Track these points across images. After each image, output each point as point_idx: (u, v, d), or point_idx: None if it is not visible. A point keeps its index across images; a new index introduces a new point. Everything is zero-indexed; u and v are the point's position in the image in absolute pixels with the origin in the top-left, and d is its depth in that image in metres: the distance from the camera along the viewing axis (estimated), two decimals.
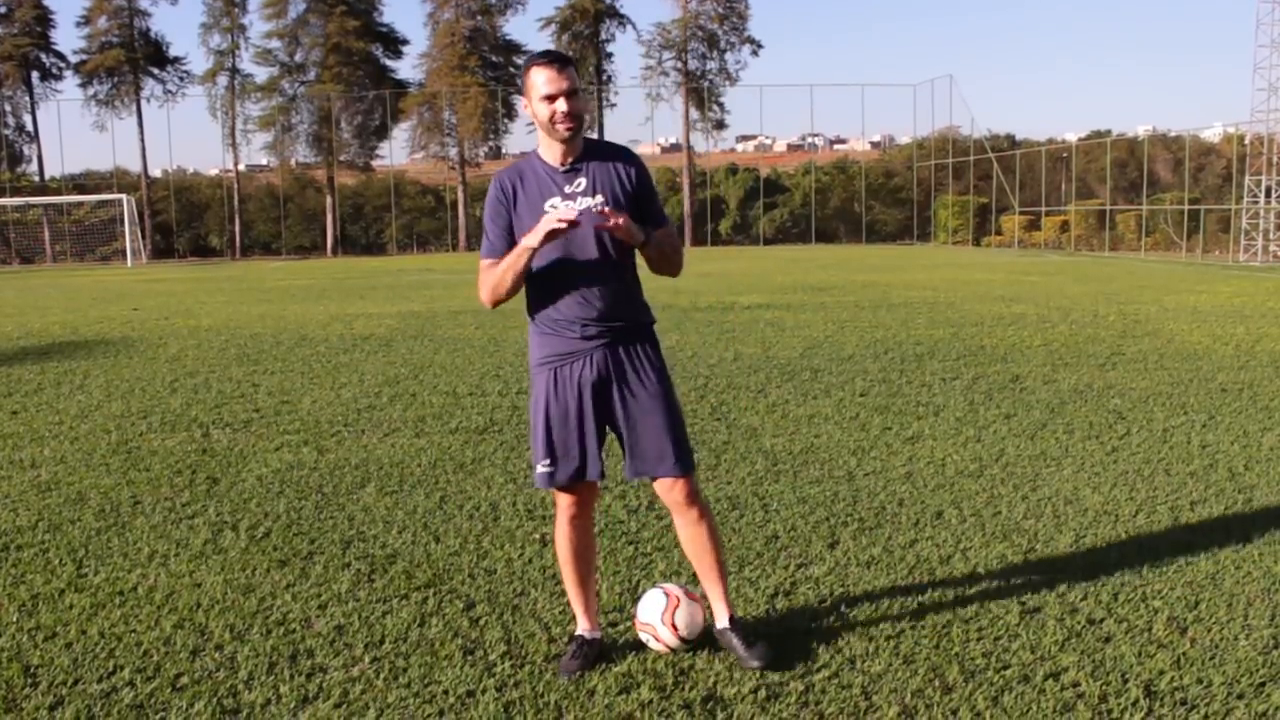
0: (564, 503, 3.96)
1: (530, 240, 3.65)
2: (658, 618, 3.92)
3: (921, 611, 4.37)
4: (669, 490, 3.91)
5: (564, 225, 3.59)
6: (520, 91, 3.80)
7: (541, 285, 3.81)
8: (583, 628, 4.03)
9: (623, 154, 3.88)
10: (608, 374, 3.82)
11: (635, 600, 4.29)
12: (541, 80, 3.66)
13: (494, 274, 3.77)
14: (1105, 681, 3.72)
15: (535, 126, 3.78)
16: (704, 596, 4.06)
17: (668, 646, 3.94)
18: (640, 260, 3.91)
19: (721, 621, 3.97)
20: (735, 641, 3.91)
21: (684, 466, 3.87)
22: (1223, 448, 7.12)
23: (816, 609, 4.42)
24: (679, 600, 3.95)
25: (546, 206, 3.73)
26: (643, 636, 3.98)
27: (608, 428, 3.91)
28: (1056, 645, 4.02)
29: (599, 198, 3.73)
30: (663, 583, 4.30)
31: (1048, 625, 4.21)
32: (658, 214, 3.88)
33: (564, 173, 3.76)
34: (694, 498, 3.92)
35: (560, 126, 3.67)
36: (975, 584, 4.68)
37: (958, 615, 4.32)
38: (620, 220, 3.64)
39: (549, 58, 3.69)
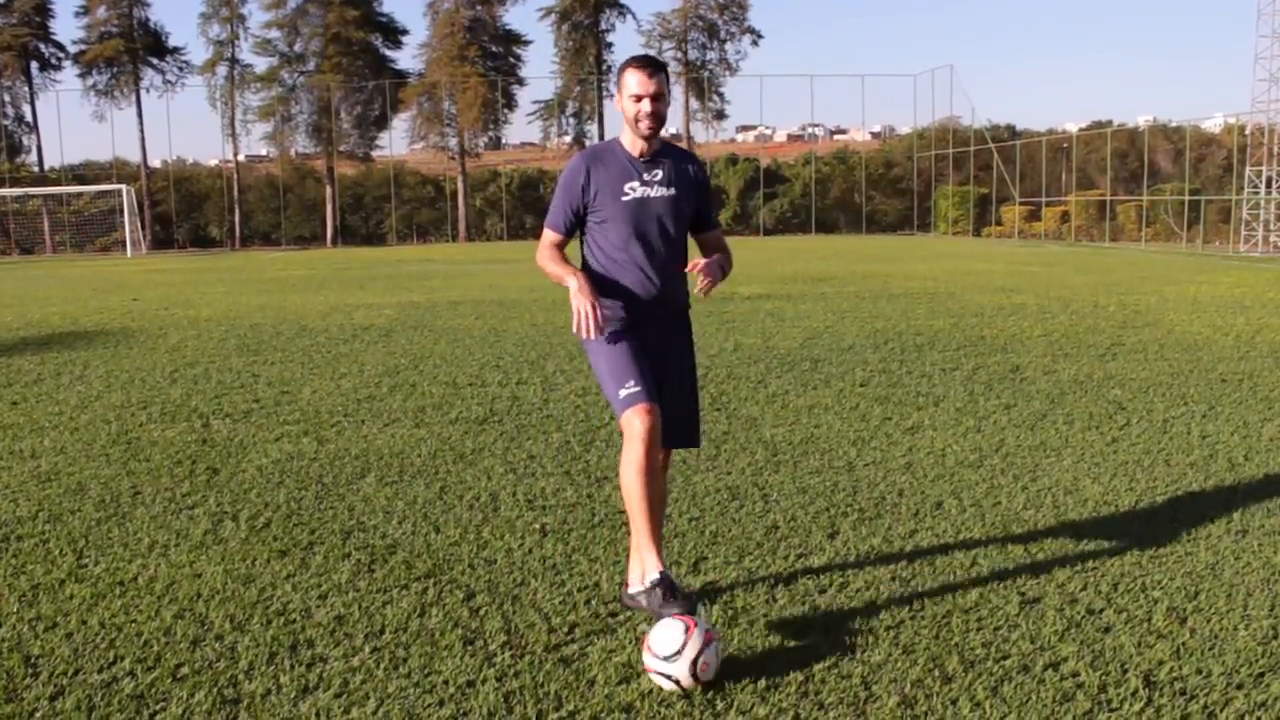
0: (641, 429, 3.99)
1: (571, 286, 4.00)
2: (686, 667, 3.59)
3: (921, 602, 4.37)
4: (666, 455, 4.34)
5: (589, 328, 3.92)
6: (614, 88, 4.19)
7: (605, 261, 4.18)
8: (657, 567, 3.98)
9: (692, 158, 4.33)
10: (654, 347, 4.21)
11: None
12: (634, 82, 4.06)
13: (546, 264, 4.17)
14: (1105, 671, 3.73)
15: (619, 120, 4.22)
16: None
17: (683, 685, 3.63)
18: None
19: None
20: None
21: (698, 440, 4.43)
22: (1222, 438, 7.12)
23: (816, 599, 4.43)
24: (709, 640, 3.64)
25: (625, 188, 4.13)
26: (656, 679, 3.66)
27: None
28: (1056, 635, 4.03)
29: (672, 190, 4.17)
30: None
31: (1047, 615, 4.21)
32: (713, 216, 4.40)
33: (644, 162, 4.17)
34: (669, 461, 4.45)
35: (643, 124, 4.08)
36: (975, 574, 4.68)
37: (957, 605, 4.32)
38: (708, 284, 4.12)
39: (643, 62, 4.08)
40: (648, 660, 3.64)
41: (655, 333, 4.22)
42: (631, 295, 4.16)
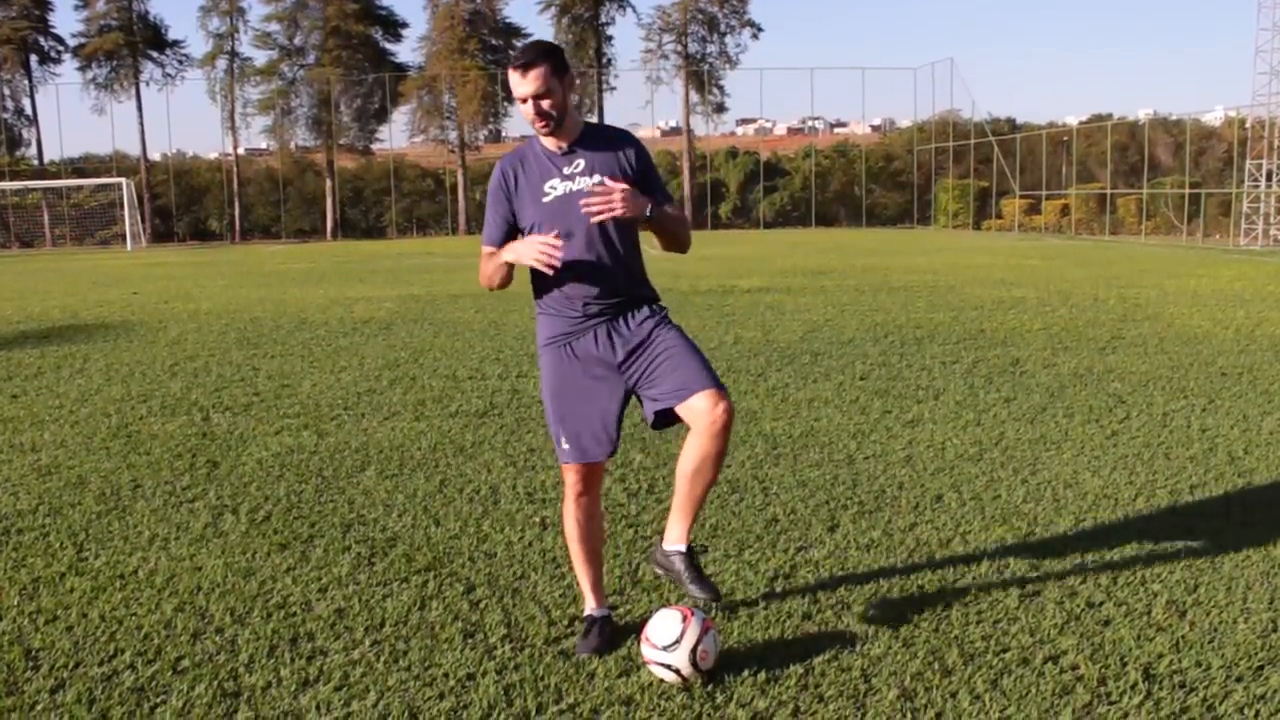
0: (574, 478, 3.93)
1: (510, 257, 3.77)
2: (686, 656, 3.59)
3: (921, 595, 4.38)
4: (712, 411, 3.68)
5: (548, 261, 3.64)
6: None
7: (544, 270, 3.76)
8: (592, 607, 4.04)
9: (622, 136, 3.93)
10: (614, 345, 3.84)
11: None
12: (512, 83, 3.73)
13: (485, 268, 3.91)
14: (1104, 665, 3.73)
15: None
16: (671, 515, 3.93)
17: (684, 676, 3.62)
18: (645, 246, 3.95)
19: (680, 545, 3.84)
20: (685, 571, 3.81)
21: (721, 383, 3.76)
22: (1222, 432, 7.12)
23: (816, 592, 4.43)
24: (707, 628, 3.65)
25: (546, 188, 3.80)
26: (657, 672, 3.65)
27: (627, 396, 3.89)
28: (1056, 628, 4.03)
29: (596, 177, 3.77)
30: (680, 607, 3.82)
31: (1047, 608, 4.22)
32: (661, 194, 3.90)
33: (563, 155, 3.82)
34: (729, 429, 3.72)
35: (535, 125, 3.76)
36: (974, 567, 4.68)
37: (957, 598, 4.32)
38: (621, 199, 3.65)
39: (517, 60, 3.70)
40: (646, 652, 3.64)
41: (610, 336, 3.83)
42: (574, 300, 3.82)
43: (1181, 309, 14.29)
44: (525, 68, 3.67)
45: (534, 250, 3.65)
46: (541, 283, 3.88)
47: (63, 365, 10.77)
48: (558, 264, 3.67)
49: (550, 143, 3.82)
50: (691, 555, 3.86)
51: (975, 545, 4.97)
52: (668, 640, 3.59)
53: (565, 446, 3.88)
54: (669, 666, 3.59)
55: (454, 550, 4.99)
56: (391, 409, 8.26)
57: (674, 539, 3.87)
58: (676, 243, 3.95)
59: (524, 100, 3.70)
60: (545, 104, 3.69)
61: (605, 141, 3.87)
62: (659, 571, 4.00)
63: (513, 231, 3.89)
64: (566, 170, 3.80)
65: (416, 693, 3.60)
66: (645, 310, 3.90)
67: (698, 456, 3.74)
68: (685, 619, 3.62)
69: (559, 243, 3.66)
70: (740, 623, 4.11)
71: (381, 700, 3.55)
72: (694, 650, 3.57)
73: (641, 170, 3.87)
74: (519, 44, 58.44)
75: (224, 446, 7.11)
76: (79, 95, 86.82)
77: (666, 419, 3.85)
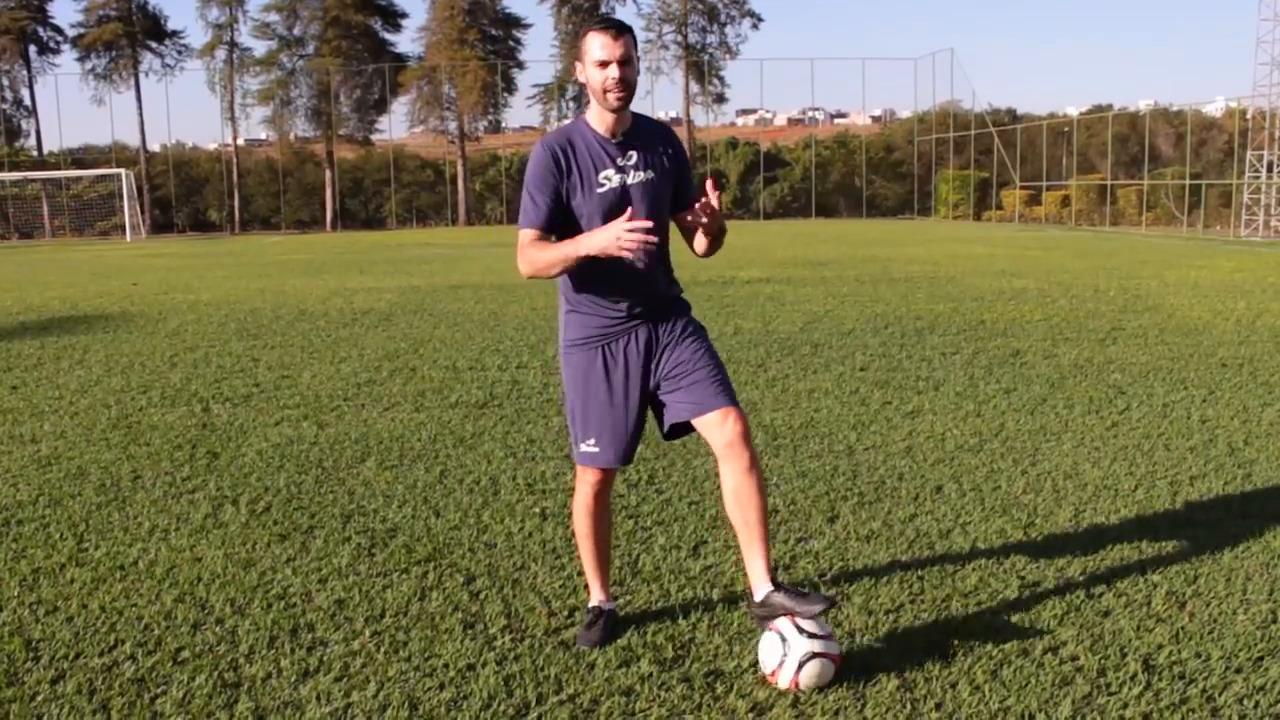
0: (593, 479, 3.89)
1: (591, 250, 3.52)
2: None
3: (921, 585, 4.38)
4: (723, 425, 3.66)
5: (636, 250, 3.53)
6: (579, 59, 3.67)
7: (585, 264, 3.63)
8: (599, 599, 4.04)
9: (666, 132, 3.87)
10: (653, 347, 3.78)
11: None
12: (597, 46, 3.57)
13: (540, 256, 3.62)
14: (1104, 655, 3.73)
15: (585, 94, 3.72)
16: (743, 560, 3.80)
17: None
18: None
19: (765, 588, 3.64)
20: (788, 600, 3.59)
21: (736, 401, 3.75)
22: (1222, 423, 7.12)
23: (816, 583, 4.43)
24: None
25: (600, 178, 3.67)
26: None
27: (648, 404, 3.86)
28: (1055, 619, 4.03)
29: (650, 173, 3.71)
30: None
31: (1047, 599, 4.22)
32: (691, 190, 3.87)
33: (616, 144, 3.70)
34: (749, 438, 3.69)
35: (610, 95, 3.59)
36: (974, 558, 4.68)
37: (957, 589, 4.33)
38: (712, 210, 3.64)
39: (606, 23, 3.62)
40: (803, 642, 3.50)
41: (650, 337, 3.77)
42: (614, 301, 3.73)
43: (1182, 300, 14.29)
44: (618, 31, 3.59)
45: (624, 240, 3.45)
46: (582, 279, 3.72)
47: (62, 356, 10.77)
48: (652, 249, 3.57)
49: (603, 128, 3.69)
50: (782, 587, 3.63)
51: (975, 536, 4.97)
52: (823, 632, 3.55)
53: (589, 449, 3.82)
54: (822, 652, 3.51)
55: (454, 541, 4.99)
56: (391, 400, 8.25)
57: (758, 582, 3.66)
58: (717, 248, 3.90)
59: (606, 65, 3.56)
60: (629, 72, 3.59)
61: (654, 136, 3.79)
62: (769, 624, 3.63)
63: (563, 215, 3.68)
64: (621, 161, 3.69)
65: (417, 683, 3.61)
66: (682, 315, 3.86)
67: (732, 483, 3.67)
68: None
69: (649, 224, 3.49)
70: (739, 614, 4.11)
71: (382, 691, 3.55)
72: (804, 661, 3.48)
73: (682, 169, 3.84)
74: (519, 34, 58.76)
75: (224, 437, 7.11)
76: (78, 86, 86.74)
77: (679, 431, 3.84)
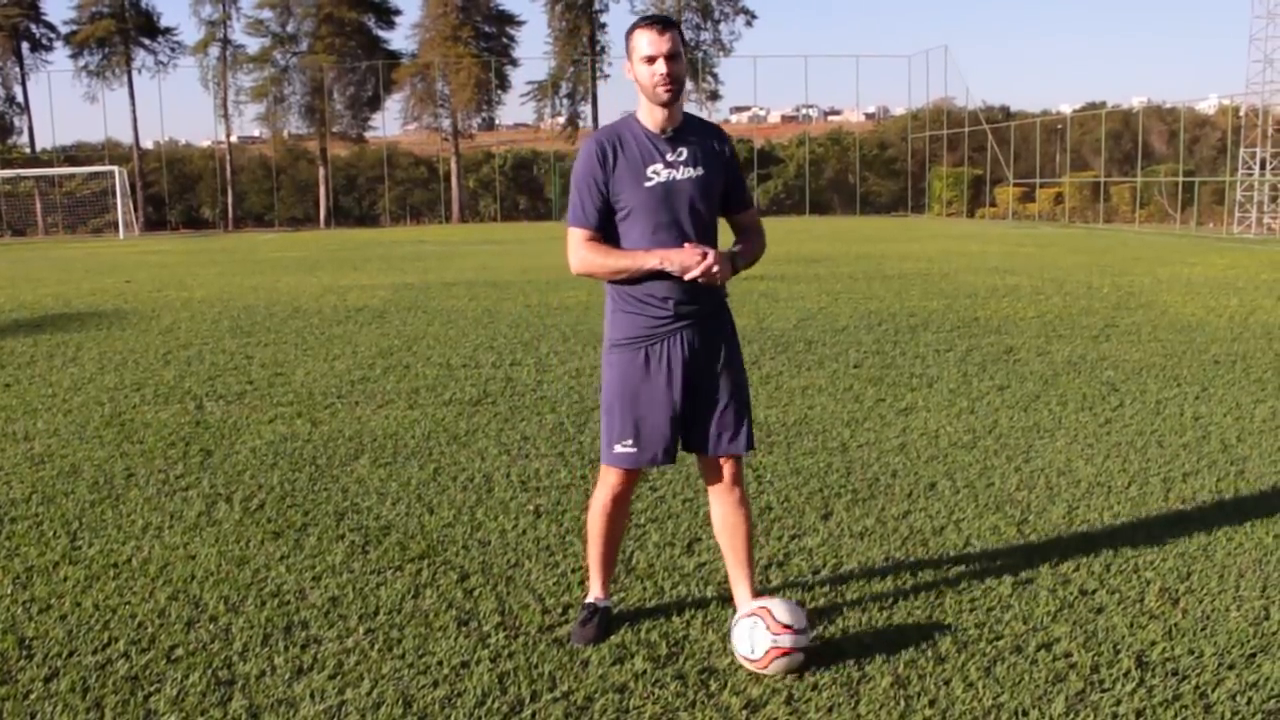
0: (615, 480, 3.88)
1: (660, 265, 3.62)
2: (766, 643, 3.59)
3: (914, 582, 4.38)
4: (721, 469, 3.86)
5: (704, 272, 3.60)
6: (625, 56, 3.73)
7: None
8: (596, 595, 4.04)
9: (718, 131, 3.89)
10: (698, 352, 3.78)
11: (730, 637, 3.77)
12: (644, 42, 3.62)
13: (602, 262, 3.69)
14: (1097, 652, 3.74)
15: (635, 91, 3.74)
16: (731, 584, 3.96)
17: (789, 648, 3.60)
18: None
19: (750, 607, 3.73)
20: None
21: (749, 444, 3.87)
22: (1215, 420, 7.14)
23: (810, 580, 4.44)
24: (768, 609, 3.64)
25: (649, 172, 3.68)
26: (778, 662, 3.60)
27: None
28: (1049, 616, 4.04)
29: (700, 169, 3.73)
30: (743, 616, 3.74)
31: (1040, 596, 4.23)
32: (747, 195, 3.95)
33: (666, 139, 3.72)
34: (741, 478, 3.90)
35: (660, 90, 3.62)
36: (968, 555, 4.69)
37: (950, 586, 4.33)
38: (720, 270, 3.67)
39: (651, 20, 3.66)
40: (783, 638, 3.56)
41: (696, 341, 3.77)
42: (665, 300, 3.71)
43: (1175, 297, 14.31)
44: (664, 27, 3.63)
45: (698, 266, 3.59)
46: (630, 278, 3.73)
47: (55, 353, 10.75)
48: (722, 269, 3.65)
49: (652, 124, 3.71)
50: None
51: (968, 533, 4.98)
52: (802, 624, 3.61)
53: (623, 450, 3.80)
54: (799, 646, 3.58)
55: (448, 538, 4.99)
56: (385, 397, 8.25)
57: (743, 603, 3.84)
58: (753, 264, 3.98)
59: (654, 60, 3.60)
60: (677, 67, 3.62)
61: (706, 134, 3.81)
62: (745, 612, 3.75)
63: (610, 211, 3.71)
64: (670, 157, 3.70)
65: (410, 681, 3.60)
66: (725, 324, 3.87)
67: (720, 511, 3.92)
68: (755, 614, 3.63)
69: (719, 261, 3.63)
70: (733, 610, 4.11)
71: (375, 688, 3.55)
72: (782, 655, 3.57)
73: (734, 170, 3.86)
74: (513, 31, 58.72)
75: (217, 435, 7.10)
76: (71, 83, 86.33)
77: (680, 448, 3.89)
